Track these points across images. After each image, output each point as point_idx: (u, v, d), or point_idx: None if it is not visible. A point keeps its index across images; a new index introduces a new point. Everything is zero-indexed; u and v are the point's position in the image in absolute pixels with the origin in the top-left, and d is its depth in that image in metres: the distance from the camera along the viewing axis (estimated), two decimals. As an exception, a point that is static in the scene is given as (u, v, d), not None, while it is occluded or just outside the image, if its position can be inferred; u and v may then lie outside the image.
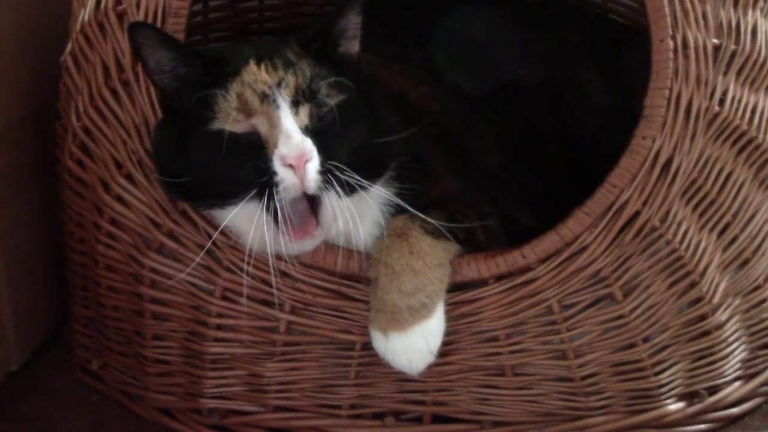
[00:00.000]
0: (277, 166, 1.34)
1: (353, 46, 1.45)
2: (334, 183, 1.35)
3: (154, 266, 1.55)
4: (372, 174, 1.42)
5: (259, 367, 1.56)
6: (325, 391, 1.56)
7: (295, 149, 1.33)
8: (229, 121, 1.35)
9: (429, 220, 1.44)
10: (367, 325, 1.47)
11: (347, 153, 1.38)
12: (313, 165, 1.34)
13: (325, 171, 1.34)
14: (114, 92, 1.53)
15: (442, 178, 1.56)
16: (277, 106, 1.35)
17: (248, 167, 1.35)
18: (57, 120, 1.68)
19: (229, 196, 1.37)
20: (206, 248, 1.48)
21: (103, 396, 1.71)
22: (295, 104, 1.36)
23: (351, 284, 1.49)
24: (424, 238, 1.45)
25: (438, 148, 1.59)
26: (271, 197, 1.34)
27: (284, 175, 1.34)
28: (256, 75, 1.37)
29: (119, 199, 1.55)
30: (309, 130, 1.36)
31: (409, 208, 1.44)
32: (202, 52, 1.42)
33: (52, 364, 1.80)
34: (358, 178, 1.36)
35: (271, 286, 1.48)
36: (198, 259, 1.50)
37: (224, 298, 1.53)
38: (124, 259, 1.58)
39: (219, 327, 1.55)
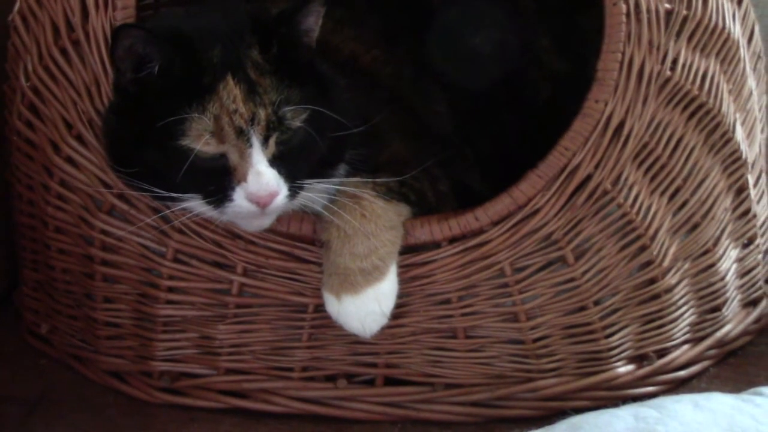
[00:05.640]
0: (240, 196, 1.34)
1: (314, 41, 1.41)
2: (297, 196, 1.37)
3: (105, 228, 1.54)
4: (333, 165, 1.44)
5: (210, 329, 1.55)
6: (277, 353, 1.56)
7: (264, 188, 1.33)
8: (201, 143, 1.33)
9: (380, 182, 1.44)
10: (320, 288, 1.47)
11: (311, 165, 1.39)
12: (281, 198, 1.35)
13: (290, 192, 1.36)
14: (64, 52, 1.51)
15: (392, 142, 1.56)
16: (250, 145, 1.33)
17: (208, 184, 1.35)
18: (5, 81, 1.66)
19: (180, 199, 1.37)
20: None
21: (53, 360, 1.70)
22: (266, 139, 1.34)
23: (304, 246, 1.49)
24: (376, 200, 1.45)
25: (388, 111, 1.58)
26: (223, 206, 1.35)
27: (246, 205, 1.34)
28: (235, 100, 1.33)
29: (69, 161, 1.53)
30: (276, 158, 1.35)
31: (360, 171, 1.44)
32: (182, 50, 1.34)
33: (0, 328, 1.78)
34: (320, 180, 1.39)
35: (223, 247, 1.48)
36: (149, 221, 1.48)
37: (176, 260, 1.52)
38: (74, 220, 1.56)
39: (170, 289, 1.54)
